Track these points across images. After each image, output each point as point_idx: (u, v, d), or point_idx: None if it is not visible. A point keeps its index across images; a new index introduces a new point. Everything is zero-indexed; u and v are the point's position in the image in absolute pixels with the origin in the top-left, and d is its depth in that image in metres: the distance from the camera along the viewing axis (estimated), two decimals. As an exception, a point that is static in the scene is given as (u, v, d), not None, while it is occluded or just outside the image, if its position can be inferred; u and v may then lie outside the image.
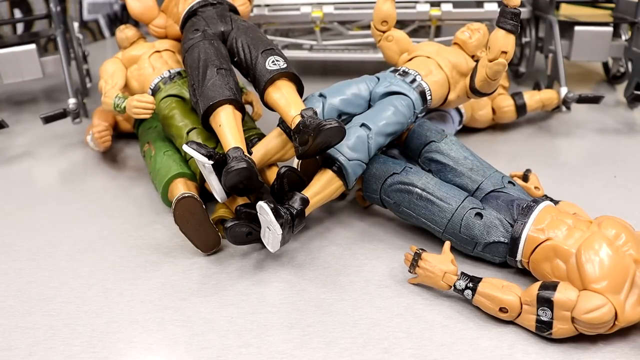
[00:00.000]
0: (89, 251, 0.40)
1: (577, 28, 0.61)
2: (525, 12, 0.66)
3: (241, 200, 0.39)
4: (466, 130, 0.57)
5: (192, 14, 0.46)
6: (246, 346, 0.31)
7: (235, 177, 0.35)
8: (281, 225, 0.35)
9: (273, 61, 0.40)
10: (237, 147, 0.37)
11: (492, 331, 0.32)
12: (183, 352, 0.31)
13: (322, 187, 0.38)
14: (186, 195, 0.37)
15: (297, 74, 0.41)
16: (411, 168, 0.40)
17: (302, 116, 0.37)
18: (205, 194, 0.42)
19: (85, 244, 0.41)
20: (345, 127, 0.36)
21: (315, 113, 0.37)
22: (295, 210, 0.36)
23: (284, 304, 0.34)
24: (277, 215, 0.35)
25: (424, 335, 0.32)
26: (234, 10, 0.47)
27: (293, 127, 0.37)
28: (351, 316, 0.33)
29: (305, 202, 0.37)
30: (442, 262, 0.34)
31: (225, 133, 0.38)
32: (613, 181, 0.48)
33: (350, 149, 0.38)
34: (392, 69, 0.45)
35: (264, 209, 0.35)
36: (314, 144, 0.36)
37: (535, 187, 0.42)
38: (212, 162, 0.36)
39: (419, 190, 0.38)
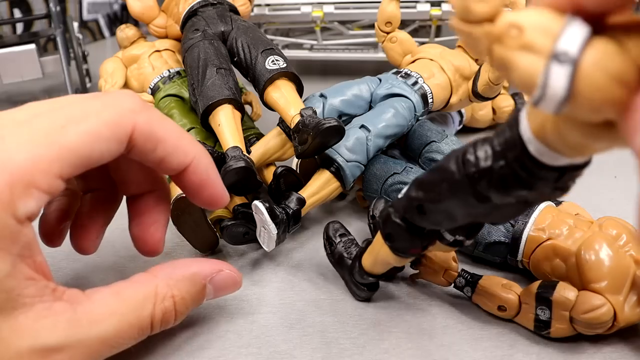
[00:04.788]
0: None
1: (577, 28, 0.61)
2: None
3: (239, 200, 0.39)
4: (466, 130, 0.57)
5: (192, 13, 0.46)
6: (246, 346, 0.31)
7: (234, 176, 0.35)
8: (276, 225, 0.35)
9: (273, 61, 0.40)
10: (236, 147, 0.37)
11: (492, 331, 0.32)
12: (182, 353, 0.31)
13: (320, 187, 0.38)
14: (184, 195, 0.37)
15: (296, 74, 0.41)
16: (412, 168, 0.40)
17: (302, 115, 0.37)
18: (205, 194, 0.42)
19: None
20: (344, 126, 0.36)
21: (315, 112, 0.37)
22: (291, 210, 0.36)
23: (283, 304, 0.34)
24: (272, 215, 0.35)
25: (424, 336, 0.32)
26: (234, 10, 0.47)
27: (292, 126, 0.37)
28: (351, 316, 0.33)
29: (301, 202, 0.37)
30: (443, 259, 0.34)
31: (224, 132, 0.38)
32: (613, 181, 0.48)
33: (349, 150, 0.38)
34: (394, 70, 0.45)
35: (259, 208, 0.35)
36: (313, 143, 0.36)
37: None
38: None
39: (419, 190, 0.38)
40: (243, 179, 0.36)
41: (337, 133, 0.36)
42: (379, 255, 0.32)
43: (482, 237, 0.36)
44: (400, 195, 0.29)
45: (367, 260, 0.33)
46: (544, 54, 0.16)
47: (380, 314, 0.33)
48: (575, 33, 0.16)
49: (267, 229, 0.35)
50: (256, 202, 0.35)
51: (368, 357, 0.30)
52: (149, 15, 0.51)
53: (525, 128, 0.21)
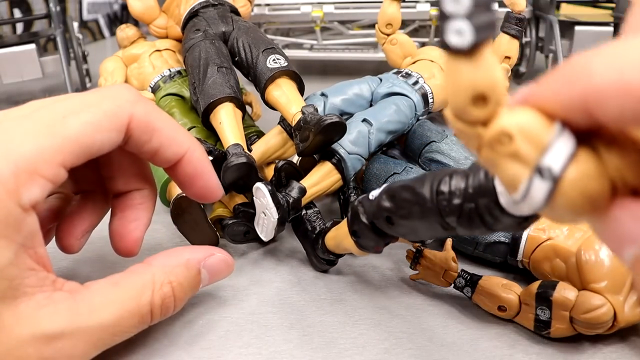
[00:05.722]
0: (89, 251, 0.40)
1: (577, 28, 0.61)
2: (525, 12, 0.66)
3: (239, 199, 0.39)
4: (466, 130, 0.57)
5: (193, 14, 0.46)
6: (246, 346, 0.31)
7: (235, 173, 0.35)
8: (277, 209, 0.34)
9: (274, 59, 0.40)
10: (237, 144, 0.37)
11: (492, 331, 0.32)
12: (183, 353, 0.31)
13: (320, 178, 0.38)
14: (184, 195, 0.37)
15: (297, 73, 0.41)
16: (412, 168, 0.40)
17: (303, 113, 0.37)
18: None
19: (85, 244, 0.41)
20: (345, 123, 0.36)
21: (316, 110, 0.37)
22: (292, 199, 0.36)
23: (283, 304, 0.34)
24: (274, 198, 0.34)
25: (425, 336, 0.32)
26: (235, 11, 0.47)
27: (294, 124, 0.37)
28: (351, 316, 0.33)
29: (302, 191, 0.37)
30: (442, 260, 0.34)
31: (225, 130, 0.38)
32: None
33: (351, 142, 0.38)
34: (394, 70, 0.45)
35: (261, 190, 0.35)
36: (315, 139, 0.36)
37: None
38: (211, 157, 0.36)
39: (419, 190, 0.38)
40: (244, 176, 0.36)
41: (339, 129, 0.36)
42: (342, 242, 0.33)
43: (482, 237, 0.36)
44: (371, 196, 0.30)
45: (330, 241, 0.35)
46: (530, 164, 0.17)
47: (380, 314, 0.33)
48: (560, 150, 0.17)
49: (267, 214, 0.35)
50: (258, 184, 0.35)
51: (368, 357, 0.30)
52: (150, 15, 0.51)
53: (501, 184, 0.22)
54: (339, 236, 0.34)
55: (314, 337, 0.32)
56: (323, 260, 0.37)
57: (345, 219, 0.33)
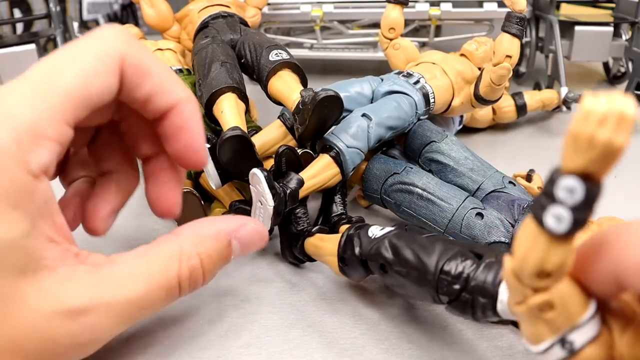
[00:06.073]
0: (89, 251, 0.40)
1: (577, 28, 0.61)
2: (525, 12, 0.66)
3: (236, 196, 0.39)
4: (466, 130, 0.57)
5: (204, 26, 0.47)
6: (246, 346, 0.31)
7: (229, 147, 0.35)
8: (273, 197, 0.34)
9: (276, 53, 0.41)
10: (236, 126, 0.36)
11: (492, 331, 0.32)
12: (183, 352, 0.31)
13: (319, 171, 0.37)
14: (185, 190, 0.37)
15: (299, 66, 0.40)
16: (412, 168, 0.40)
17: (302, 95, 0.36)
18: (199, 192, 0.42)
19: (85, 244, 0.40)
20: (342, 97, 0.36)
21: (315, 91, 0.36)
22: (289, 190, 0.36)
23: (283, 304, 0.34)
24: (270, 185, 0.34)
25: (424, 336, 0.32)
26: (244, 23, 0.48)
27: (293, 109, 0.37)
28: (351, 316, 0.33)
29: (300, 182, 0.36)
30: None
31: (227, 116, 0.38)
32: (613, 181, 0.48)
33: (351, 136, 0.38)
34: (396, 71, 0.45)
35: (257, 176, 0.34)
36: (312, 117, 0.35)
37: (539, 187, 0.42)
38: (208, 145, 0.36)
39: (419, 190, 0.38)
40: (240, 150, 0.35)
41: (335, 103, 0.35)
42: (324, 257, 0.34)
43: (482, 237, 0.36)
44: (371, 234, 0.31)
45: (311, 248, 0.35)
46: (557, 333, 0.20)
47: (380, 315, 0.33)
48: (586, 331, 0.19)
49: (263, 203, 0.34)
50: (254, 170, 0.34)
51: (368, 357, 0.30)
52: (164, 25, 0.52)
53: (504, 294, 0.23)
54: (322, 249, 0.34)
55: (314, 337, 0.32)
56: (295, 256, 0.37)
57: (334, 236, 0.33)
